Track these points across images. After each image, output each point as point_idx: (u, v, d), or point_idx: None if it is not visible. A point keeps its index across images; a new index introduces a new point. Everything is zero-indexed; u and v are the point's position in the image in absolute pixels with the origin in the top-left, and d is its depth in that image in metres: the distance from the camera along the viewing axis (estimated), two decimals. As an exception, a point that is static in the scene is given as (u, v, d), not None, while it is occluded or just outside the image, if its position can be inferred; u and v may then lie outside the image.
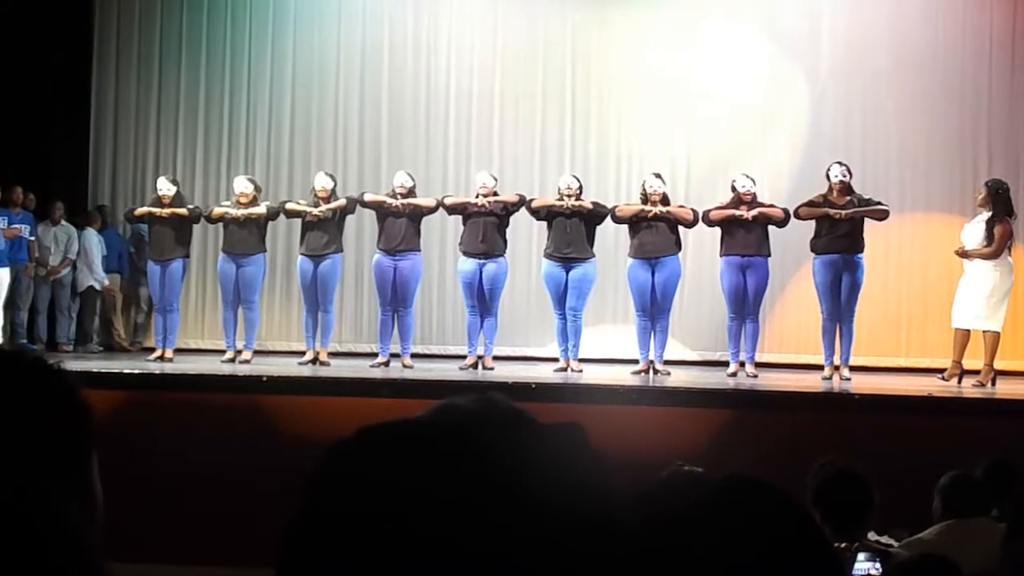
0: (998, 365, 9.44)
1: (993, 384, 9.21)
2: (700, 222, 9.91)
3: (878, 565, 3.86)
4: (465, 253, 10.09)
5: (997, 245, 9.20)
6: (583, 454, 0.81)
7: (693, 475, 1.02)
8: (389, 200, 10.16)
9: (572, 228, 9.87)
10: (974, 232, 9.38)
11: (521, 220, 10.55)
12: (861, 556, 3.89)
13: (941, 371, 9.59)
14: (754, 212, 9.74)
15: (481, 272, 10.01)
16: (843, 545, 4.01)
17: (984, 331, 9.28)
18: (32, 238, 11.30)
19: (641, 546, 0.80)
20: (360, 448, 0.81)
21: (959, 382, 9.29)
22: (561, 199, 9.98)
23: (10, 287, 10.96)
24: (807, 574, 0.99)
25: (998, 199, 9.33)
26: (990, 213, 9.29)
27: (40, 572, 0.93)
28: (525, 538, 0.75)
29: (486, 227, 9.99)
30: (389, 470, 0.78)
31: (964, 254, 9.38)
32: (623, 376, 9.61)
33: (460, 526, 0.75)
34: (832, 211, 9.56)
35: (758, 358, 10.03)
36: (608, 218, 10.01)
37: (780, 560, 0.97)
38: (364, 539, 0.76)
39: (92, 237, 11.88)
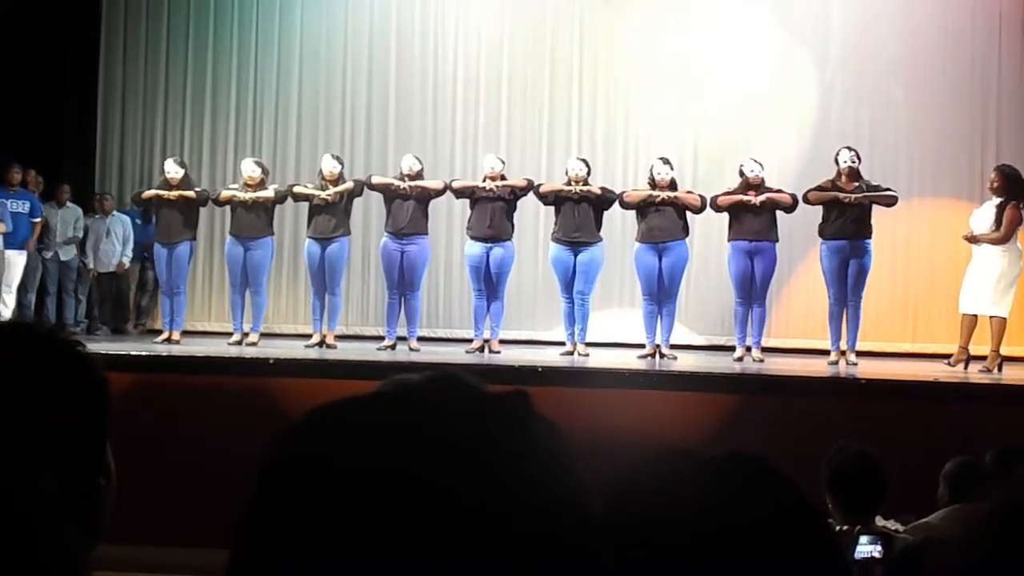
0: (1005, 351, 9.43)
1: (1000, 370, 9.19)
2: (708, 207, 9.90)
3: (879, 548, 3.86)
4: (472, 237, 10.09)
5: (1006, 230, 9.18)
6: (531, 421, 0.80)
7: (683, 452, 1.01)
8: (397, 182, 10.16)
9: (580, 213, 9.87)
10: (983, 217, 9.36)
11: (528, 204, 10.55)
12: (863, 539, 3.89)
13: (948, 357, 9.57)
14: (762, 198, 9.72)
15: (488, 256, 10.01)
16: (845, 528, 4.01)
17: (991, 317, 9.27)
18: (37, 219, 11.27)
19: (603, 515, 0.80)
20: (311, 429, 0.81)
21: (965, 368, 9.28)
22: (569, 184, 9.97)
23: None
24: (809, 558, 0.99)
25: (1011, 184, 9.30)
26: (1000, 199, 9.27)
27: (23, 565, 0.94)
28: (477, 508, 0.75)
29: (494, 211, 9.98)
30: (340, 448, 0.78)
31: (973, 239, 9.36)
32: (629, 360, 9.61)
33: (411, 500, 0.75)
34: (841, 195, 9.54)
35: (765, 343, 10.03)
36: (616, 203, 10.00)
37: (779, 544, 0.97)
38: (317, 520, 0.76)
39: (113, 220, 11.94)
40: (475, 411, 0.79)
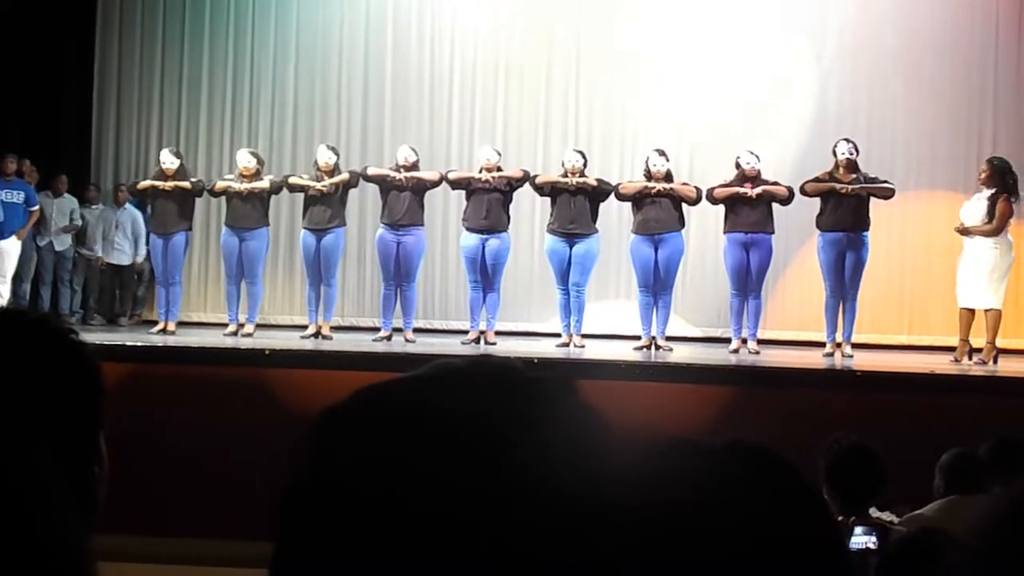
0: (1002, 343, 9.45)
1: (995, 362, 9.21)
2: (704, 199, 9.90)
3: (874, 539, 3.87)
4: (468, 228, 10.09)
5: (998, 223, 9.22)
6: (575, 409, 0.80)
7: (682, 442, 1.00)
8: (392, 173, 10.16)
9: (576, 204, 9.86)
10: (974, 209, 9.40)
11: (524, 195, 10.54)
12: (858, 530, 3.90)
13: (943, 349, 9.61)
14: (758, 190, 9.72)
15: (484, 247, 10.00)
16: (840, 519, 4.02)
17: (986, 310, 9.30)
18: (33, 208, 11.19)
19: (636, 508, 0.79)
20: (356, 412, 0.80)
21: (970, 359, 9.30)
22: (565, 175, 9.97)
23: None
24: (812, 551, 0.98)
25: (1001, 177, 9.33)
26: (992, 191, 9.29)
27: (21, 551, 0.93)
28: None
29: (490, 203, 9.98)
30: (387, 436, 0.77)
31: (964, 231, 9.40)
32: (625, 352, 9.62)
33: (460, 493, 0.74)
34: (839, 186, 9.55)
35: (760, 335, 10.04)
36: (612, 195, 10.00)
37: (785, 541, 0.96)
38: (363, 507, 0.75)
39: (124, 214, 11.92)
40: (515, 399, 0.79)
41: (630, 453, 0.92)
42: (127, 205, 11.97)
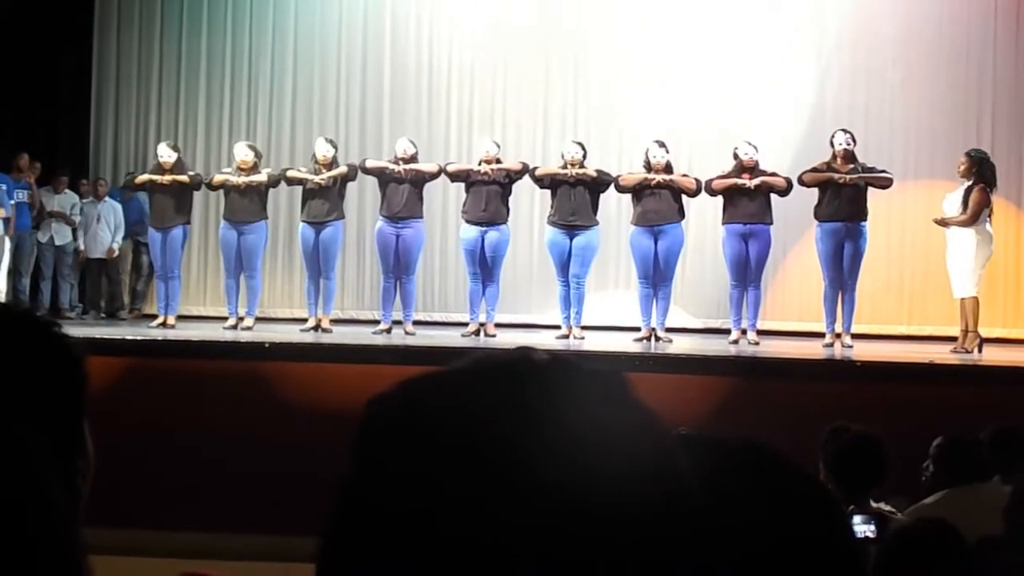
0: (1004, 333, 9.49)
1: (980, 350, 9.27)
2: (703, 191, 9.89)
3: (873, 527, 3.87)
4: (468, 221, 10.09)
5: (972, 212, 9.29)
6: (628, 404, 0.79)
7: (690, 437, 0.99)
8: (391, 166, 10.15)
9: (576, 196, 9.86)
10: (954, 201, 9.48)
11: (523, 187, 10.53)
12: (857, 519, 3.90)
13: (943, 339, 9.63)
14: (756, 181, 9.72)
15: (483, 240, 10.00)
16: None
17: (962, 298, 9.40)
18: (13, 202, 11.13)
19: (643, 507, 0.78)
20: (399, 413, 0.79)
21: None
22: (565, 167, 9.96)
23: (13, 254, 10.96)
24: (825, 548, 0.97)
25: (978, 167, 9.39)
26: (970, 182, 9.37)
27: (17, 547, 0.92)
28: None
29: (489, 195, 9.97)
30: (429, 447, 0.76)
31: (942, 223, 9.48)
32: (625, 343, 9.62)
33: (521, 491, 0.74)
34: (837, 176, 9.55)
35: (760, 326, 10.04)
36: (612, 186, 9.99)
37: (795, 537, 0.95)
38: (404, 518, 0.75)
39: (104, 206, 11.89)
40: (568, 392, 0.78)
41: (641, 450, 0.92)
42: (107, 198, 11.93)
